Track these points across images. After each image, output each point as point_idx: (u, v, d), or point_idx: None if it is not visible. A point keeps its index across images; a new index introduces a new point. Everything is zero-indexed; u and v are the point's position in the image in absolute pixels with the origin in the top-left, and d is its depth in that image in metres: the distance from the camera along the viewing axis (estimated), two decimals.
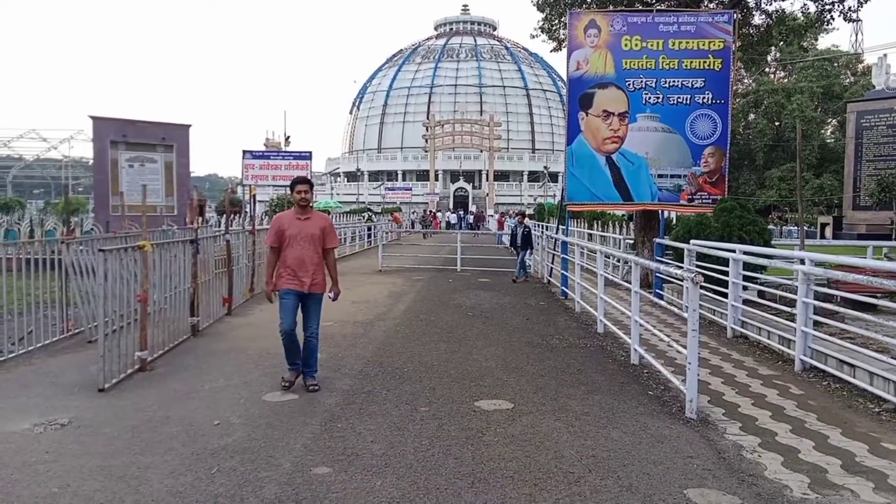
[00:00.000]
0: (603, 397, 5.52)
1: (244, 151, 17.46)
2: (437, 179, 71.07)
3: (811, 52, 49.85)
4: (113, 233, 11.82)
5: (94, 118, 16.10)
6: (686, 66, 12.42)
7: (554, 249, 14.21)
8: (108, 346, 5.56)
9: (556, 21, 17.36)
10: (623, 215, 19.28)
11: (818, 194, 40.58)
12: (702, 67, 12.38)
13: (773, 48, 25.11)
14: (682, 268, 8.96)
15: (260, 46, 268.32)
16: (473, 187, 73.42)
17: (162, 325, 7.03)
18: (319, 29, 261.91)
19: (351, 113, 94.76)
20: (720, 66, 12.38)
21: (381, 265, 16.78)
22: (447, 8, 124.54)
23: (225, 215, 12.45)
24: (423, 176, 74.24)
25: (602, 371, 6.49)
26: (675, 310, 9.39)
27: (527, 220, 16.03)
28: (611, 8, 13.79)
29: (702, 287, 10.15)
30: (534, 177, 78.02)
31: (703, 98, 12.32)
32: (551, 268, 14.38)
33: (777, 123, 47.33)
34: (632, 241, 14.75)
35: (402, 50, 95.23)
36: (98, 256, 5.47)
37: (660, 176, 12.40)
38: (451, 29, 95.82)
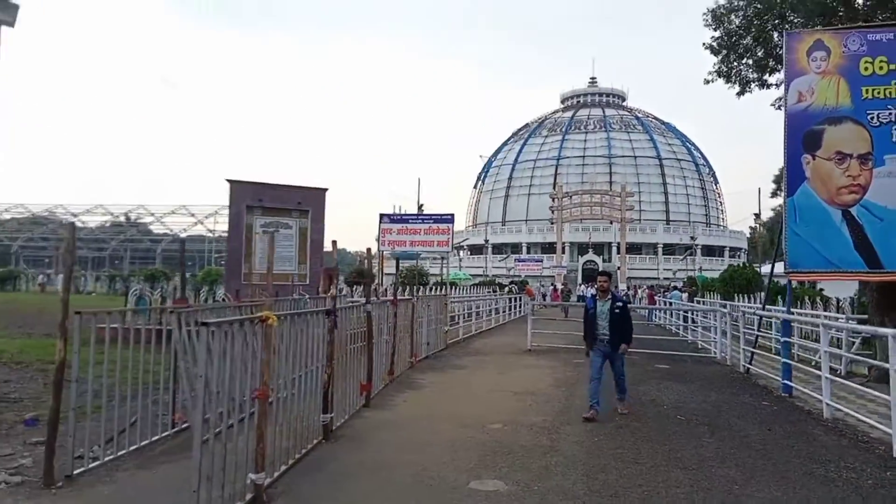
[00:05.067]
0: None
1: (381, 215, 16.08)
2: (563, 252, 68.36)
3: None
4: (236, 301, 10.46)
5: (231, 182, 15.37)
6: None
7: (758, 330, 11.26)
8: (208, 465, 3.64)
9: (737, 62, 14.97)
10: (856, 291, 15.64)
11: None
12: None
13: None
14: None
15: (388, 125, 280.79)
16: (603, 260, 69.82)
17: (285, 425, 5.13)
18: (445, 106, 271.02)
19: (475, 187, 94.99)
20: None
21: (530, 344, 14.45)
22: (574, 81, 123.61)
23: (363, 285, 11.07)
24: (548, 248, 71.79)
25: None
26: None
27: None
28: (840, 26, 11.16)
29: None
30: (668, 249, 73.19)
31: None
32: (751, 353, 11.40)
33: None
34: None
35: (527, 124, 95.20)
36: (200, 333, 3.61)
37: None
38: (579, 101, 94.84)
